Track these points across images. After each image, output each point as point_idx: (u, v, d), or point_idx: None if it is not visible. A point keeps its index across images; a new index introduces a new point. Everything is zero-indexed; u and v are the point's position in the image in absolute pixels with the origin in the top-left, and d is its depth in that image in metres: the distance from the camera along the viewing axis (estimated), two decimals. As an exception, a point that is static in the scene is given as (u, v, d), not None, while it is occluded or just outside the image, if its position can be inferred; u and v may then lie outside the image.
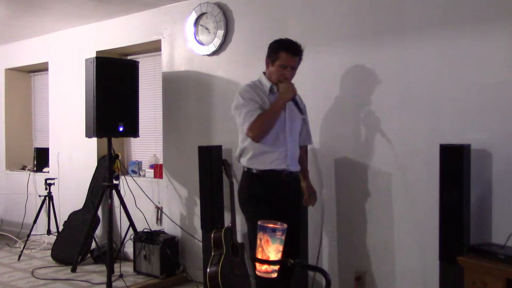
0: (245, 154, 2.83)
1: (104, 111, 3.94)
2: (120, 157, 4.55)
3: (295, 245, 2.83)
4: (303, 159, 3.04)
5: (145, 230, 4.30)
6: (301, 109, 2.82)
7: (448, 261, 2.62)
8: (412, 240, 3.03)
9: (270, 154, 2.76)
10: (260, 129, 2.69)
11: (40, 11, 4.59)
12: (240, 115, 2.74)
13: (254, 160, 2.78)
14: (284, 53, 2.75)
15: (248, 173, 2.84)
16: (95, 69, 3.91)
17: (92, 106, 3.92)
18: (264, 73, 2.87)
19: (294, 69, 2.81)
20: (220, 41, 3.98)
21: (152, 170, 4.64)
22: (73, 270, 4.40)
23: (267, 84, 2.81)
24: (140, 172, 4.80)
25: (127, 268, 4.37)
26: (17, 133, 6.28)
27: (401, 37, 3.05)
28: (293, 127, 2.86)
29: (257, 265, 1.50)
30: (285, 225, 1.48)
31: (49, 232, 5.10)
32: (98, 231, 4.92)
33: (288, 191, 2.85)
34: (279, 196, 2.79)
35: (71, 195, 5.26)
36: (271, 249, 1.46)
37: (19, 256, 4.89)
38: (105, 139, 4.16)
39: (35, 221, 5.05)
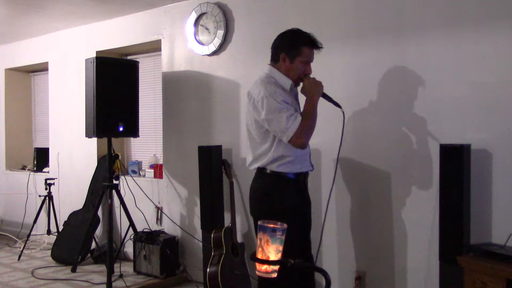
0: (279, 160, 2.56)
1: (104, 111, 3.94)
2: (120, 157, 4.55)
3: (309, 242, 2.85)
4: None
5: (145, 230, 4.29)
6: (337, 104, 2.67)
7: (448, 261, 2.62)
8: (412, 240, 3.03)
9: (302, 157, 2.62)
10: (309, 136, 2.53)
11: (40, 11, 4.59)
12: (279, 120, 2.46)
13: (288, 164, 2.56)
14: (307, 49, 2.59)
15: (282, 178, 2.57)
16: (95, 69, 3.91)
17: (92, 106, 3.92)
18: (274, 67, 2.64)
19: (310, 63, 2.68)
20: (220, 41, 3.98)
21: (152, 170, 4.64)
22: (73, 270, 4.40)
23: (286, 81, 2.60)
24: (140, 172, 4.80)
25: (127, 268, 4.37)
26: (17, 133, 6.28)
27: (401, 37, 3.05)
28: None
29: (257, 265, 1.50)
30: (285, 225, 1.47)
31: (49, 232, 5.10)
32: (98, 231, 4.92)
33: (307, 193, 2.79)
34: (307, 203, 2.77)
35: (71, 195, 5.26)
36: (271, 249, 1.46)
37: (19, 256, 4.89)
38: (105, 139, 4.15)
39: (35, 221, 5.05)
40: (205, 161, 3.73)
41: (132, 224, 4.27)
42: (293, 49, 2.59)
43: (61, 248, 4.76)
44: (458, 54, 2.83)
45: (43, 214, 5.11)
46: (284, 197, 2.58)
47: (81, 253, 4.52)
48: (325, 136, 3.34)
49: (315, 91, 2.58)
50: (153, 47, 4.71)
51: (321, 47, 2.65)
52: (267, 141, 2.58)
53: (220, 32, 3.97)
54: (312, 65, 2.73)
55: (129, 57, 5.03)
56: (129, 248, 4.59)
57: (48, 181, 5.06)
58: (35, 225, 5.11)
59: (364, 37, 3.21)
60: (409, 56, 3.02)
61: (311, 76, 2.68)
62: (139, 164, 4.84)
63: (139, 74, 4.23)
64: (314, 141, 3.25)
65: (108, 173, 4.11)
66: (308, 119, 2.51)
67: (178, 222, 4.35)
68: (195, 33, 4.16)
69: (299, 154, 2.58)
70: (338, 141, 3.29)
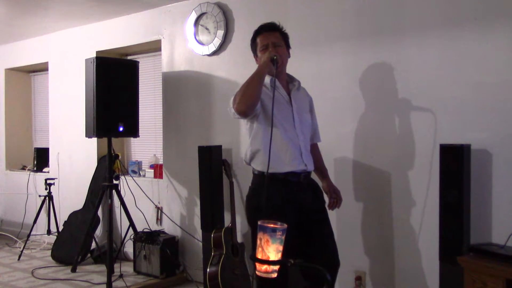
0: (256, 156, 2.56)
1: (104, 111, 3.94)
2: (120, 157, 4.55)
3: (335, 256, 2.64)
4: (317, 157, 2.84)
5: (145, 230, 4.29)
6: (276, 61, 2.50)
7: (448, 261, 2.62)
8: (412, 240, 3.03)
9: (284, 154, 2.50)
10: (243, 98, 2.38)
11: (40, 11, 4.59)
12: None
13: (265, 162, 2.39)
14: (259, 37, 2.61)
15: (264, 178, 2.44)
16: (95, 69, 3.91)
17: (92, 106, 3.92)
18: None
19: (277, 45, 2.55)
20: (220, 41, 3.98)
21: (152, 170, 4.64)
22: (73, 270, 4.40)
23: (266, 79, 2.54)
24: (140, 172, 4.80)
25: (127, 268, 4.37)
26: (17, 133, 6.28)
27: (401, 37, 3.05)
28: (303, 121, 2.64)
29: (257, 265, 1.50)
30: (285, 225, 1.47)
31: (49, 232, 5.11)
32: (98, 231, 4.92)
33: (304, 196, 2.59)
34: (300, 206, 2.54)
35: (71, 195, 5.26)
36: (271, 249, 1.46)
37: (19, 256, 4.89)
38: (105, 139, 4.16)
39: (35, 221, 5.05)
40: (205, 161, 3.73)
41: (132, 224, 4.27)
42: (253, 45, 2.67)
43: (61, 248, 4.76)
44: (458, 54, 2.83)
45: (43, 214, 5.12)
46: (268, 198, 2.37)
47: (81, 253, 4.52)
48: (325, 136, 3.34)
49: (263, 57, 2.51)
50: (153, 47, 4.71)
51: (271, 30, 2.61)
52: (249, 136, 2.60)
53: (220, 32, 3.97)
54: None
55: (129, 57, 5.04)
56: (129, 248, 4.59)
57: (48, 181, 5.07)
58: (35, 225, 5.11)
59: (364, 37, 3.21)
60: (409, 56, 3.02)
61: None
62: (139, 164, 4.84)
63: (139, 74, 4.23)
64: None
65: (108, 173, 4.11)
66: (245, 82, 2.44)
67: (178, 222, 4.35)
68: (195, 33, 4.16)
69: (275, 151, 2.43)
70: (337, 141, 3.31)
